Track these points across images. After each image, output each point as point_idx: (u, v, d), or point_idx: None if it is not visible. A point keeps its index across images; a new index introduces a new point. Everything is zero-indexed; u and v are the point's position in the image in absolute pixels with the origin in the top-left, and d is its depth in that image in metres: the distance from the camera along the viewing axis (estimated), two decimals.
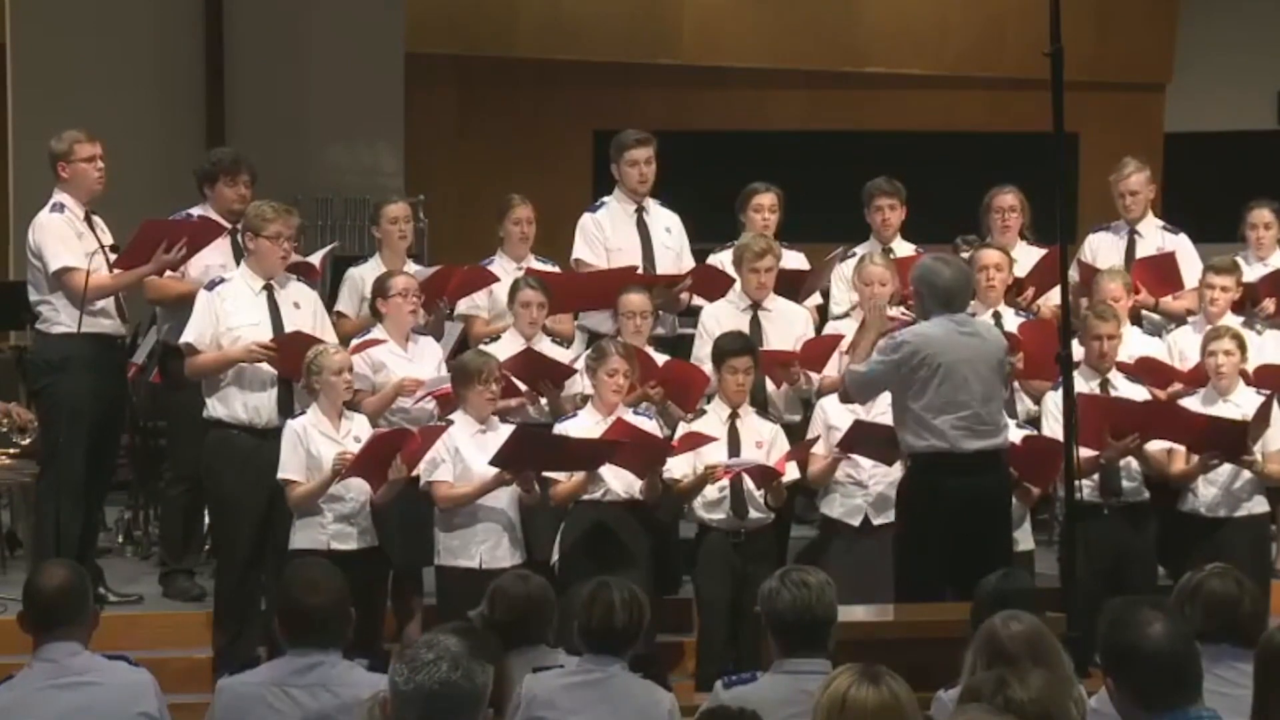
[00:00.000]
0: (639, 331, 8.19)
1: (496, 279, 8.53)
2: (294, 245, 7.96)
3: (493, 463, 7.36)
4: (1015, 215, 9.20)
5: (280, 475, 7.35)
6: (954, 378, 7.07)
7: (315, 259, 8.53)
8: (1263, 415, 7.94)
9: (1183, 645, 3.91)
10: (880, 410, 7.79)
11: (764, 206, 9.09)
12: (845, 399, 7.63)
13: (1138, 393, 8.14)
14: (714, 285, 8.70)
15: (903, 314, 8.44)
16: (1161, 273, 8.99)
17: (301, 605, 4.88)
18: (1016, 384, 8.38)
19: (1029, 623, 4.52)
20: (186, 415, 8.03)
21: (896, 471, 7.72)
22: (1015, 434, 7.87)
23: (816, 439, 7.96)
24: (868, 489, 7.90)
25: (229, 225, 8.26)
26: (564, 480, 7.65)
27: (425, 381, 7.87)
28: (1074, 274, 8.76)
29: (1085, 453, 7.49)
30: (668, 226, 8.93)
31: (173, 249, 7.89)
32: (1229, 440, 7.85)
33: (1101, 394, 7.94)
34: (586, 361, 7.90)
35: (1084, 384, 7.92)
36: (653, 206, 8.92)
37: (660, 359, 8.23)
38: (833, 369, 8.38)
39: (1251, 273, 9.00)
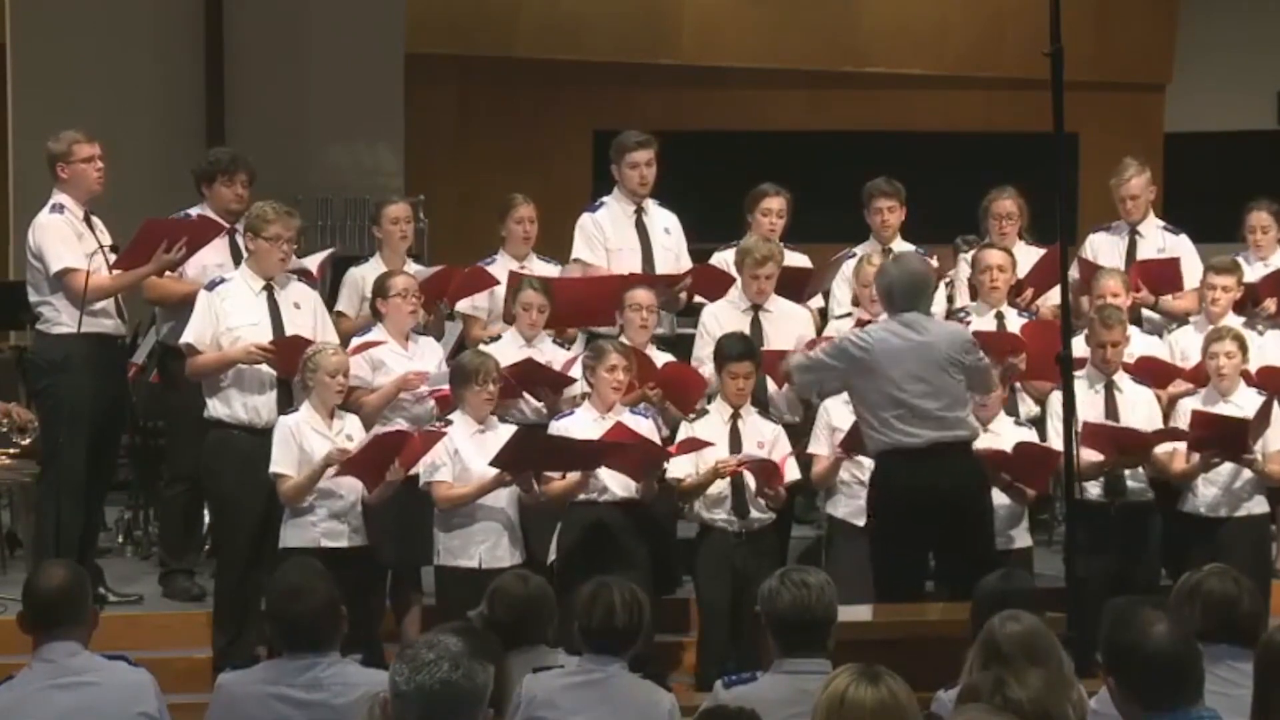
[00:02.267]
0: (644, 326, 8.19)
1: (497, 281, 8.52)
2: (293, 247, 7.96)
3: (494, 464, 7.37)
4: (1012, 222, 9.18)
5: (272, 470, 7.35)
6: (889, 375, 7.12)
7: (314, 264, 8.48)
8: (1263, 415, 7.94)
9: (1184, 646, 3.91)
10: None
11: (772, 210, 9.08)
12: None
13: (1142, 394, 8.14)
14: (714, 285, 8.71)
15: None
16: (1164, 276, 8.97)
17: (286, 614, 4.90)
18: (1018, 384, 8.40)
19: (1027, 623, 4.53)
20: (185, 415, 8.04)
21: None
22: (1014, 434, 7.89)
23: (818, 451, 7.97)
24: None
25: (228, 225, 8.27)
26: (558, 479, 7.65)
27: (429, 374, 7.86)
28: (1074, 272, 8.75)
29: (1088, 456, 7.51)
30: (666, 227, 8.92)
31: (173, 249, 7.89)
32: (1230, 439, 7.85)
33: (1107, 422, 7.91)
34: (585, 360, 7.90)
35: (1088, 387, 7.92)
36: (651, 207, 8.91)
37: (660, 359, 8.23)
38: None
39: (1252, 273, 8.99)
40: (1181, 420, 8.06)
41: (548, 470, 7.60)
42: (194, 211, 8.38)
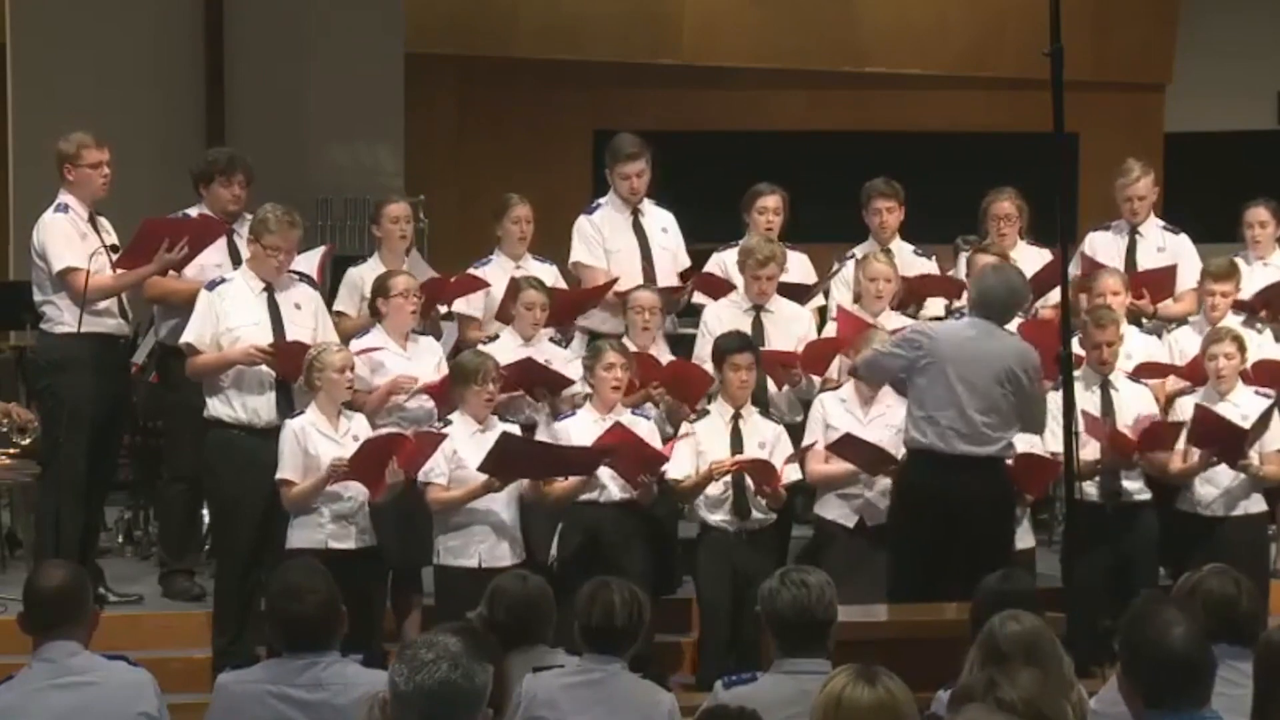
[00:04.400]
0: (647, 328, 8.20)
1: (488, 285, 8.51)
2: (290, 258, 7.90)
3: (481, 469, 7.35)
4: (1010, 223, 9.18)
5: (278, 475, 7.35)
6: (948, 378, 7.20)
7: (311, 264, 8.42)
8: (1263, 421, 7.94)
9: (1199, 651, 3.92)
10: (877, 413, 7.84)
11: (768, 209, 9.08)
12: (855, 374, 7.80)
13: (1140, 393, 8.14)
14: (715, 290, 8.73)
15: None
16: (1160, 283, 8.98)
17: (287, 614, 4.90)
18: None
19: (1027, 623, 4.54)
20: (185, 415, 8.04)
21: None
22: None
23: (814, 444, 7.94)
24: (862, 491, 7.89)
25: (228, 225, 8.27)
26: (561, 480, 7.64)
27: (418, 379, 7.84)
28: (1074, 269, 8.75)
29: (1086, 456, 7.52)
30: (664, 226, 8.92)
31: (174, 248, 7.89)
32: (1227, 443, 7.86)
33: (1104, 418, 7.92)
34: (584, 360, 7.90)
35: (1084, 387, 7.93)
36: (649, 207, 8.90)
37: (664, 358, 8.22)
38: (833, 372, 8.43)
39: (1251, 273, 8.98)
40: (1181, 418, 8.07)
41: (536, 476, 7.55)
42: (193, 212, 8.37)
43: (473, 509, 7.44)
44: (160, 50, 11.56)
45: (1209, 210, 10.28)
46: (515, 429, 7.68)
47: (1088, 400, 7.91)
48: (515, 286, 8.26)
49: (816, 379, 8.41)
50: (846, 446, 7.77)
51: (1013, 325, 8.36)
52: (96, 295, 7.78)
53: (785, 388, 8.38)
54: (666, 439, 7.90)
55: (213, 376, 7.73)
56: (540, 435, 7.87)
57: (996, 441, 7.28)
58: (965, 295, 8.14)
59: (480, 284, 8.52)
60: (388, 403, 7.83)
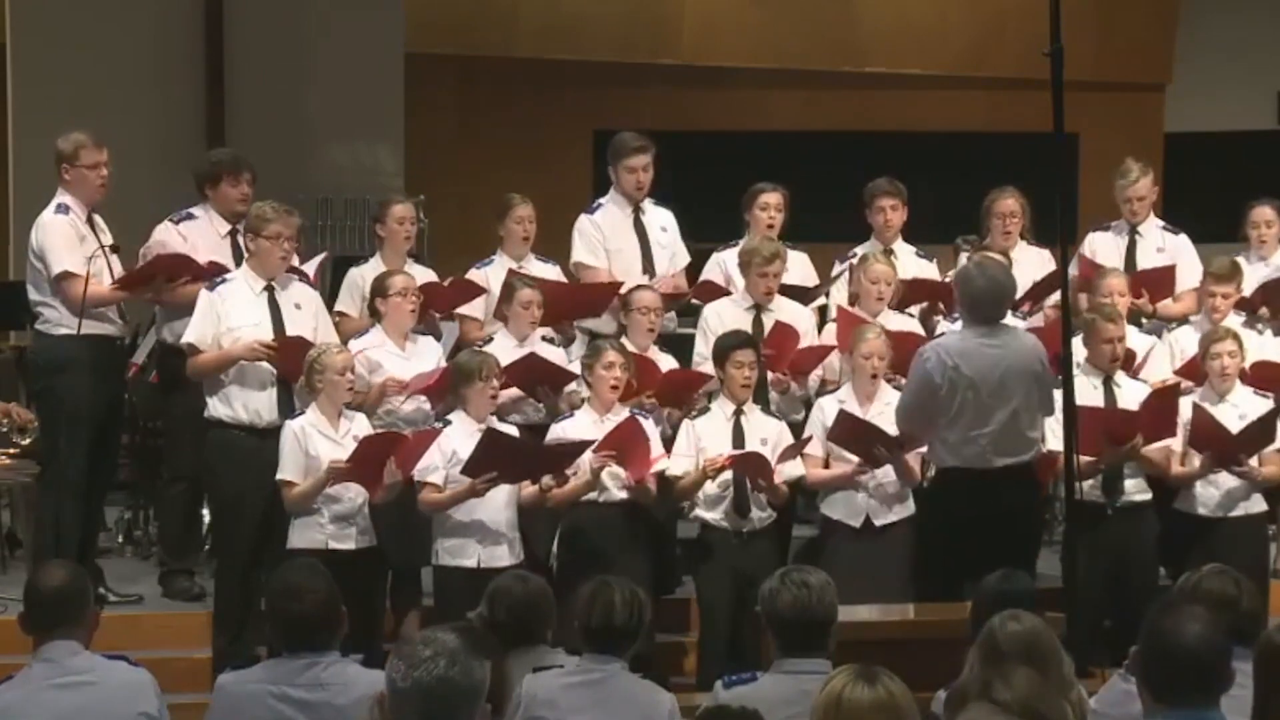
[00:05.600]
0: (652, 329, 8.19)
1: (484, 291, 8.50)
2: (294, 245, 7.96)
3: (464, 472, 7.33)
4: (1015, 220, 9.18)
5: (279, 476, 7.35)
6: (975, 395, 7.15)
7: (309, 270, 8.45)
8: (1264, 428, 7.92)
9: (1211, 653, 3.93)
10: (876, 410, 7.83)
11: (770, 205, 9.08)
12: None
13: (1141, 390, 8.14)
14: (714, 298, 8.74)
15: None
16: (1161, 284, 8.98)
17: (287, 614, 4.91)
18: None
19: (1028, 623, 4.54)
20: (185, 415, 8.04)
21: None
22: None
23: (809, 439, 7.94)
24: (869, 490, 7.88)
25: (229, 229, 8.27)
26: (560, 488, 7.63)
27: (409, 382, 7.84)
28: (1073, 270, 8.75)
29: (1084, 457, 7.51)
30: (663, 225, 8.92)
31: (176, 279, 7.91)
32: (1222, 449, 7.86)
33: (1097, 406, 7.92)
34: (583, 360, 7.90)
35: (1087, 383, 7.92)
36: (648, 207, 8.90)
37: (664, 363, 8.21)
38: (833, 373, 8.44)
39: (1253, 272, 8.99)
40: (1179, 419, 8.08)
41: (522, 479, 7.49)
42: (197, 212, 8.37)
43: (471, 509, 7.43)
44: (160, 50, 11.56)
45: (1209, 210, 10.29)
46: (513, 429, 7.67)
47: (1090, 395, 7.91)
48: (510, 285, 8.24)
49: (813, 380, 8.41)
50: (844, 427, 7.74)
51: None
52: (93, 304, 7.79)
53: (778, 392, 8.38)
54: (666, 440, 7.90)
55: (214, 375, 7.73)
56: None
57: (1031, 444, 7.27)
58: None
59: (476, 291, 8.50)
60: (381, 405, 7.83)
